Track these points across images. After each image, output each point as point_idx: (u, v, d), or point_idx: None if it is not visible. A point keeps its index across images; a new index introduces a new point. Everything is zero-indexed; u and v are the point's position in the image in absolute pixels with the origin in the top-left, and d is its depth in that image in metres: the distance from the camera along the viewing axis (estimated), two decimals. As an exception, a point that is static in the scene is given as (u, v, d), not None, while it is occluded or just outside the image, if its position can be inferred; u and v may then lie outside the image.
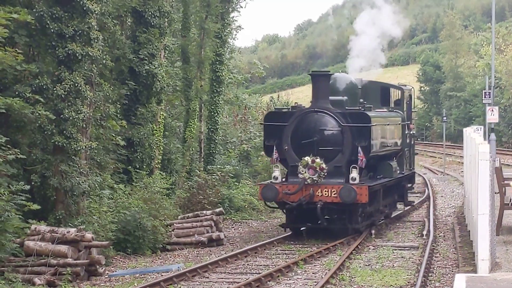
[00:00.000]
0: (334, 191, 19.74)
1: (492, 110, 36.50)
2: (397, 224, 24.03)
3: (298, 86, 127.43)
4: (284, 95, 66.81)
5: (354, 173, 19.92)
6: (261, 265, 17.21)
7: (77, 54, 17.49)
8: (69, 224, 17.40)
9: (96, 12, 18.06)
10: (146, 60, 22.89)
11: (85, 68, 18.12)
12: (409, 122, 24.64)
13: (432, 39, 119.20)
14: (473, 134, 21.11)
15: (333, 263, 17.06)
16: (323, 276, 15.62)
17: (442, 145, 49.46)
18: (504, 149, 55.67)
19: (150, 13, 23.01)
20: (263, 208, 26.38)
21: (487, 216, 14.09)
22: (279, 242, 20.08)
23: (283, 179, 20.83)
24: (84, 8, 17.61)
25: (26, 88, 17.17)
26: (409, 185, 25.71)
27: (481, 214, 13.96)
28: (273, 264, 17.27)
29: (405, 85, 25.44)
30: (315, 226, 20.52)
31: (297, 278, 15.81)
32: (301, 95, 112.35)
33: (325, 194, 19.81)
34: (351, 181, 19.91)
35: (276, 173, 20.62)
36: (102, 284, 15.74)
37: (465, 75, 76.93)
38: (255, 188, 26.49)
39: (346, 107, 20.84)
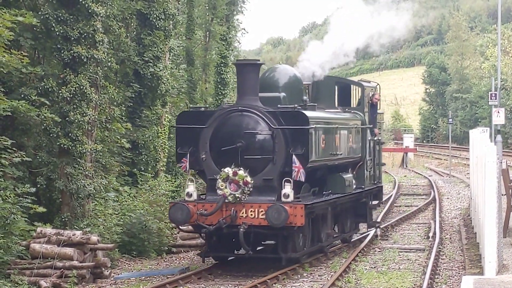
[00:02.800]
0: (261, 211, 15.59)
1: (498, 112, 36.44)
2: (403, 226, 23.97)
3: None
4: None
5: (287, 189, 15.67)
6: (266, 268, 17.16)
7: (82, 57, 17.49)
8: (75, 226, 17.40)
9: (101, 15, 18.06)
10: (151, 62, 22.89)
11: (90, 70, 18.12)
12: (371, 126, 19.98)
13: (438, 41, 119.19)
14: (479, 136, 21.08)
15: (338, 265, 17.02)
16: (328, 278, 15.58)
17: (448, 147, 49.39)
18: (510, 150, 55.57)
19: (155, 16, 23.02)
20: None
21: (494, 218, 14.06)
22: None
23: (202, 196, 16.73)
24: (89, 11, 17.61)
25: (31, 90, 17.17)
26: (375, 202, 20.91)
27: (488, 216, 13.93)
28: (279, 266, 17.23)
29: (369, 81, 20.92)
30: (239, 255, 16.71)
31: (303, 280, 15.77)
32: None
33: (251, 215, 15.70)
34: (283, 199, 15.65)
35: (191, 188, 16.36)
36: (107, 287, 15.73)
37: (470, 77, 76.94)
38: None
39: (279, 105, 16.57)
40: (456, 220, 25.15)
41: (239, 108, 16.33)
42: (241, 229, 15.55)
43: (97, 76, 18.65)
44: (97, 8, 17.76)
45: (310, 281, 15.66)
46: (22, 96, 16.91)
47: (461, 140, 71.30)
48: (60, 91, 17.40)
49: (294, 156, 15.76)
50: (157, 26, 23.14)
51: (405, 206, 29.02)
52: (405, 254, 18.86)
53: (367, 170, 19.67)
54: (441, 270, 16.75)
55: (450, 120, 46.76)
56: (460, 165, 48.97)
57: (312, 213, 16.31)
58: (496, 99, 37.36)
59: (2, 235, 15.05)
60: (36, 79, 17.82)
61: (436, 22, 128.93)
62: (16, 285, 14.85)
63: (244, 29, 36.40)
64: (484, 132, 23.27)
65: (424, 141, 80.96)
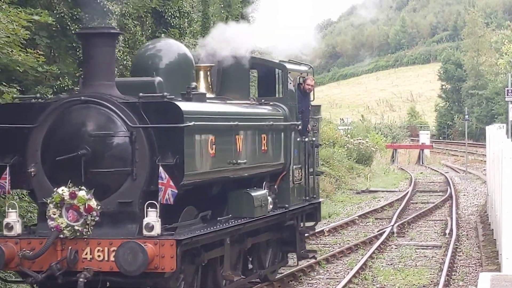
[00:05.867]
0: (114, 250, 10.39)
1: (515, 108, 36.28)
2: (420, 223, 23.90)
3: (318, 86, 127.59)
4: (305, 94, 66.80)
5: (152, 217, 10.42)
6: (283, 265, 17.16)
7: (98, 55, 17.53)
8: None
9: (116, 13, 18.12)
10: (166, 60, 22.93)
11: (106, 69, 18.16)
12: (299, 123, 14.42)
13: (453, 37, 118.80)
14: (496, 132, 21.01)
15: (355, 262, 16.99)
16: (345, 275, 15.57)
17: (464, 143, 49.24)
18: (527, 147, 55.29)
19: (170, 14, 23.07)
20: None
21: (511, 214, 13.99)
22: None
23: (34, 228, 11.19)
24: (105, 9, 17.66)
25: (47, 89, 17.24)
26: (309, 224, 15.30)
27: (505, 212, 13.87)
28: (294, 264, 17.21)
29: (299, 63, 15.30)
30: None
31: (319, 278, 15.76)
32: (321, 95, 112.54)
33: (98, 256, 10.46)
34: (145, 231, 10.41)
35: (12, 217, 10.96)
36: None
37: (486, 73, 76.73)
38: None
39: (141, 94, 10.91)
40: (473, 216, 25.06)
41: (82, 98, 10.96)
42: (81, 279, 10.29)
43: (113, 75, 18.69)
44: (112, 6, 17.82)
45: (327, 278, 15.65)
46: (38, 95, 16.96)
47: (477, 137, 71.07)
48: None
49: (161, 168, 10.59)
50: (172, 24, 23.18)
51: (422, 203, 28.95)
52: (422, 251, 18.81)
53: (294, 183, 14.26)
54: (458, 267, 16.70)
55: (466, 116, 46.61)
56: (477, 162, 48.83)
57: (195, 251, 11.24)
58: (512, 95, 37.20)
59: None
60: (52, 78, 17.89)
61: (452, 18, 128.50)
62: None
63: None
64: (501, 128, 23.20)
65: (440, 137, 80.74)
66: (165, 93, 10.99)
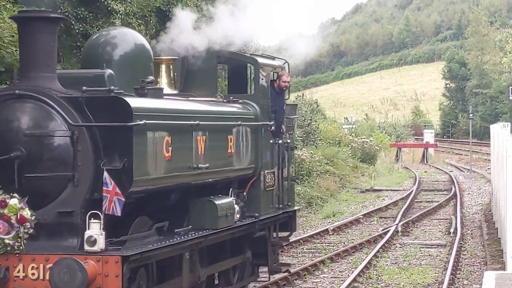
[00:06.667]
0: (50, 267, 9.03)
1: (519, 107, 36.29)
2: (424, 221, 23.89)
3: (322, 85, 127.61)
4: (308, 93, 66.97)
5: (94, 229, 9.09)
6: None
7: (102, 54, 17.58)
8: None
9: (121, 12, 18.14)
10: (170, 59, 22.95)
11: (110, 68, 18.21)
12: (272, 123, 12.85)
13: (457, 36, 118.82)
14: (500, 131, 21.00)
15: (359, 261, 16.99)
16: (349, 274, 15.56)
17: (469, 142, 49.23)
18: (531, 145, 55.24)
19: (174, 13, 23.07)
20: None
21: (516, 213, 13.99)
22: (305, 241, 20.03)
23: None
24: (109, 8, 17.69)
25: (51, 88, 17.27)
26: (283, 234, 13.91)
27: (509, 211, 13.87)
28: (299, 263, 17.22)
29: (273, 58, 13.75)
30: None
31: (324, 276, 15.76)
32: (325, 93, 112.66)
33: (32, 274, 9.14)
34: (87, 246, 9.07)
35: None
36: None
37: (490, 72, 76.77)
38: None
39: (85, 88, 9.50)
40: (477, 215, 25.05)
41: (17, 92, 9.43)
42: None
43: (117, 74, 18.72)
44: (117, 5, 17.84)
45: (331, 277, 15.65)
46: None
47: (482, 136, 71.07)
48: (80, 89, 17.49)
49: (105, 173, 9.17)
50: (176, 23, 23.19)
51: (426, 202, 28.94)
52: (427, 250, 18.80)
53: (265, 189, 12.77)
54: (463, 266, 16.70)
55: (471, 115, 46.60)
56: (481, 161, 48.83)
57: (146, 268, 9.69)
58: (517, 93, 37.22)
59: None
60: (56, 77, 17.92)
61: (456, 17, 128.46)
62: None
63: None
64: (505, 127, 23.15)
65: (444, 136, 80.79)
66: (112, 87, 9.52)
